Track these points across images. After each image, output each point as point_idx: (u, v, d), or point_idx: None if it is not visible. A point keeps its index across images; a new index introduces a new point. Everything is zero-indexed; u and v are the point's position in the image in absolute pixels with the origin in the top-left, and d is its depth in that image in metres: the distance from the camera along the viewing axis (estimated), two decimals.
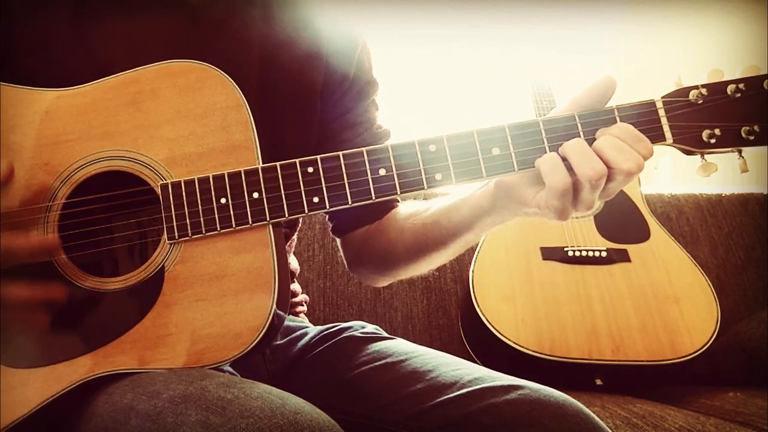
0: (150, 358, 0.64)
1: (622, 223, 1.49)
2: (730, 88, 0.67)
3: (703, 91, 0.68)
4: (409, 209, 0.89)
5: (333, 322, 0.93)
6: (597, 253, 1.39)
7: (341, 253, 0.99)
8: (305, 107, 0.87)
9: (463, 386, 0.70)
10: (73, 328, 0.66)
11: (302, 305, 1.04)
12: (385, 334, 0.89)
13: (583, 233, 1.45)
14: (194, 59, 0.71)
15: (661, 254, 1.42)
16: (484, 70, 2.06)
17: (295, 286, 1.04)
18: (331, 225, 0.97)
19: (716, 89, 0.68)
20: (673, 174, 2.15)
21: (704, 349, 1.26)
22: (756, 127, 0.67)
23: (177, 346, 0.64)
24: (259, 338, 0.64)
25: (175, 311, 0.65)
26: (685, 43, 2.01)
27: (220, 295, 0.65)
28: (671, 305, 1.32)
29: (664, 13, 2.06)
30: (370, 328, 0.90)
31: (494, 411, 0.66)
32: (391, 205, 0.93)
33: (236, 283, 0.65)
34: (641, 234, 1.47)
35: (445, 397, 0.69)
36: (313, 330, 0.93)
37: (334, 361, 0.84)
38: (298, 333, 0.93)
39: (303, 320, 1.00)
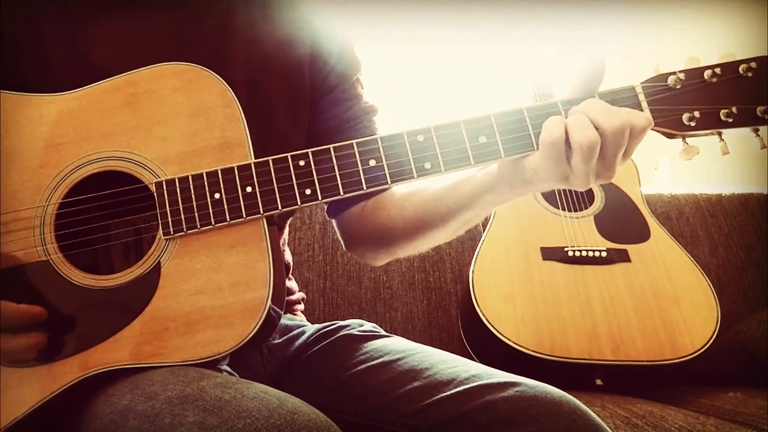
0: (148, 353, 0.64)
1: (622, 223, 1.49)
2: (707, 73, 0.70)
3: (681, 75, 0.70)
4: (409, 187, 0.89)
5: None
6: (597, 253, 1.39)
7: (338, 234, 0.99)
8: (295, 87, 0.87)
9: (459, 384, 0.70)
10: (71, 326, 0.66)
11: (299, 303, 1.04)
12: (383, 332, 0.89)
13: (583, 233, 1.45)
14: (182, 57, 0.72)
15: (661, 254, 1.42)
16: (484, 70, 2.06)
17: (292, 284, 1.04)
18: (326, 207, 0.97)
19: (693, 74, 0.71)
20: (673, 174, 2.15)
21: (704, 349, 1.25)
22: (734, 109, 0.69)
23: (174, 340, 0.64)
24: (255, 329, 0.64)
25: (172, 306, 0.65)
26: (684, 43, 2.01)
27: (216, 288, 0.65)
28: (671, 305, 1.32)
29: (663, 13, 2.05)
30: (368, 326, 0.90)
31: (491, 409, 0.66)
32: None
33: (232, 275, 0.65)
34: (641, 234, 1.47)
35: (442, 395, 0.70)
36: (310, 328, 0.93)
37: (330, 360, 0.84)
38: (295, 332, 0.93)
39: (301, 319, 1.00)
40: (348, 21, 0.96)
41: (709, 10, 1.98)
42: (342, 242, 0.98)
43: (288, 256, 1.04)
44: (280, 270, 0.69)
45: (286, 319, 0.95)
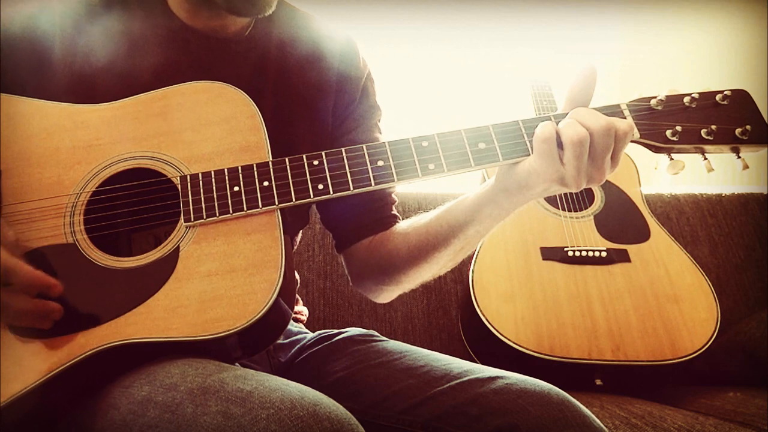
0: (161, 329, 0.66)
1: (622, 223, 1.49)
2: (686, 99, 0.76)
3: (662, 98, 0.76)
4: (413, 219, 0.92)
5: (333, 322, 0.94)
6: (597, 253, 1.39)
7: (345, 269, 1.00)
8: (317, 127, 0.92)
9: (452, 378, 0.72)
10: (89, 302, 0.69)
11: (302, 315, 1.06)
12: (381, 337, 0.90)
13: (583, 233, 1.45)
14: (215, 79, 0.79)
15: (661, 254, 1.42)
16: (484, 70, 2.06)
17: (297, 296, 1.06)
18: (334, 242, 0.99)
19: (674, 98, 0.76)
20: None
21: (704, 349, 1.25)
22: (714, 127, 0.74)
23: (187, 317, 0.66)
24: (266, 308, 0.65)
25: (187, 285, 0.68)
26: (683, 43, 2.01)
27: (230, 270, 0.68)
28: (671, 305, 1.32)
29: (662, 13, 2.06)
30: (367, 332, 0.92)
31: (481, 401, 0.68)
32: (393, 220, 0.96)
33: (245, 259, 0.69)
34: (641, 234, 1.47)
35: (435, 390, 0.72)
36: (311, 334, 0.96)
37: (329, 359, 0.86)
38: (298, 336, 0.96)
39: (302, 328, 1.03)
40: (348, 20, 0.97)
41: (709, 10, 1.98)
42: (349, 277, 1.00)
43: (296, 276, 1.06)
44: (291, 266, 0.71)
45: (291, 326, 0.98)
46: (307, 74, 0.91)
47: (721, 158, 0.76)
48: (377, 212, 0.94)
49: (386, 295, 0.99)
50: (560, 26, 2.03)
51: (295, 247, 1.05)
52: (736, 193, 1.80)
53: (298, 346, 0.93)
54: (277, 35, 0.90)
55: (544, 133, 0.70)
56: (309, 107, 0.91)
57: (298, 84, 0.90)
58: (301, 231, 1.07)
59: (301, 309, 1.07)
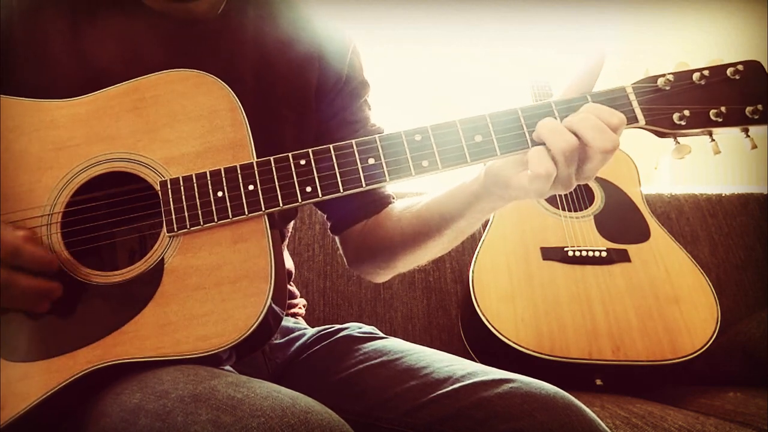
0: (151, 347, 0.64)
1: (622, 223, 1.49)
2: (695, 75, 0.71)
3: (670, 77, 0.71)
4: (405, 203, 0.90)
5: (333, 322, 0.93)
6: (597, 253, 1.39)
7: (340, 251, 1.00)
8: (302, 107, 0.89)
9: (456, 381, 0.71)
10: (74, 321, 0.67)
11: (300, 308, 1.05)
12: (381, 334, 0.89)
13: (583, 233, 1.45)
14: (190, 62, 0.74)
15: (661, 254, 1.42)
16: (483, 70, 2.06)
17: (293, 289, 1.05)
18: (329, 224, 0.98)
19: (682, 76, 0.71)
20: (673, 174, 2.15)
21: (704, 349, 1.25)
22: (723, 109, 0.69)
23: (177, 334, 0.64)
24: (257, 324, 0.64)
25: (175, 300, 0.66)
26: (684, 43, 2.00)
27: (218, 283, 0.66)
28: (671, 305, 1.32)
29: (663, 13, 2.05)
30: (367, 328, 0.91)
31: (486, 405, 0.67)
32: (387, 201, 0.94)
33: (234, 271, 0.66)
34: (641, 234, 1.47)
35: (439, 392, 0.70)
36: (310, 331, 0.95)
37: (330, 359, 0.84)
38: (296, 334, 0.94)
39: (302, 323, 1.01)
40: (348, 20, 0.96)
41: (709, 10, 1.98)
42: (345, 260, 0.99)
43: (290, 264, 1.05)
44: (282, 269, 0.69)
45: (286, 321, 0.96)
46: (288, 52, 0.86)
47: (722, 157, 0.75)
48: (370, 194, 0.92)
49: (381, 277, 0.98)
50: (560, 26, 2.02)
51: (287, 238, 1.04)
52: (736, 193, 1.80)
53: (298, 344, 0.91)
54: (253, 13, 0.86)
55: (548, 170, 0.65)
56: (293, 87, 0.87)
57: (279, 63, 0.86)
58: (291, 221, 1.05)
59: (299, 301, 1.06)
